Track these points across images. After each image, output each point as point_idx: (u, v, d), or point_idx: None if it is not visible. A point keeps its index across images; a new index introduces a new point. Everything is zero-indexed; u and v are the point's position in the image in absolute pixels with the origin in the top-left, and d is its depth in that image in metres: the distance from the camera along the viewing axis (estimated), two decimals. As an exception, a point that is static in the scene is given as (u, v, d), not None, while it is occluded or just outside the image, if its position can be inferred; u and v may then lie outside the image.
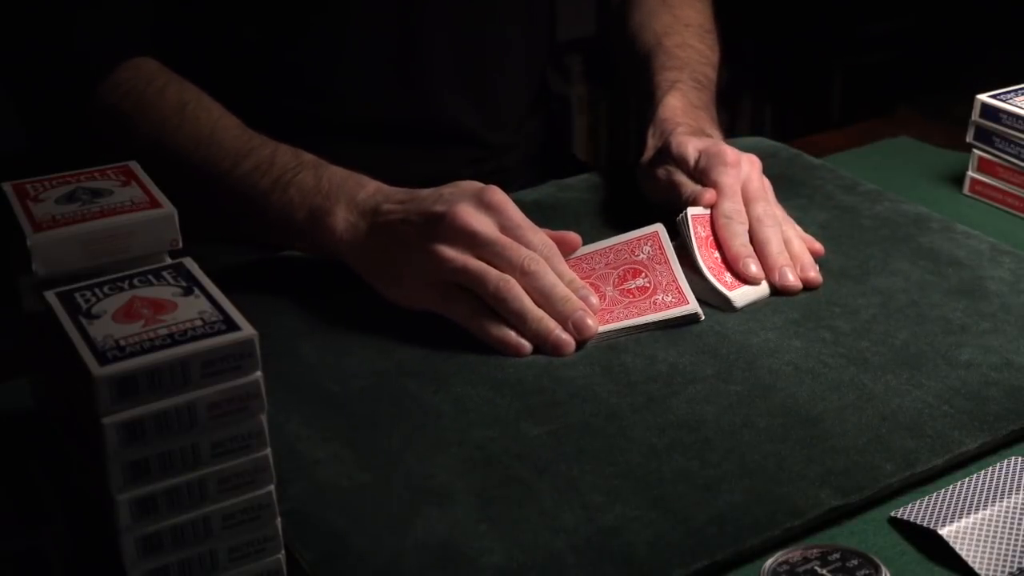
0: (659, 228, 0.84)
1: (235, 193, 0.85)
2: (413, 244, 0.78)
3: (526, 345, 0.77)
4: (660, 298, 0.80)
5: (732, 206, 0.85)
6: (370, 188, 0.82)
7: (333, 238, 0.82)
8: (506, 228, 0.78)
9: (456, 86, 1.06)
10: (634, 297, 0.81)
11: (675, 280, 0.81)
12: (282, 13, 0.98)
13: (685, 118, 0.95)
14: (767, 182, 0.88)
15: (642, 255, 0.83)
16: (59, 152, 0.97)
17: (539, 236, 0.79)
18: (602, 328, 0.79)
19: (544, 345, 0.77)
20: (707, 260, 0.83)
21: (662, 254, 0.83)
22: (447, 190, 0.80)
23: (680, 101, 0.97)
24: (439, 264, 0.77)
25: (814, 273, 0.84)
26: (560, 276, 0.78)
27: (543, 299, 0.77)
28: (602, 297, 0.80)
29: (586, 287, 0.79)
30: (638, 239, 0.84)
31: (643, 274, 0.82)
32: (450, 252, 0.77)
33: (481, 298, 0.77)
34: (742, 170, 0.87)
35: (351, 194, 0.82)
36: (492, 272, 0.77)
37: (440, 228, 0.77)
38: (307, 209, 0.82)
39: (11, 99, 0.94)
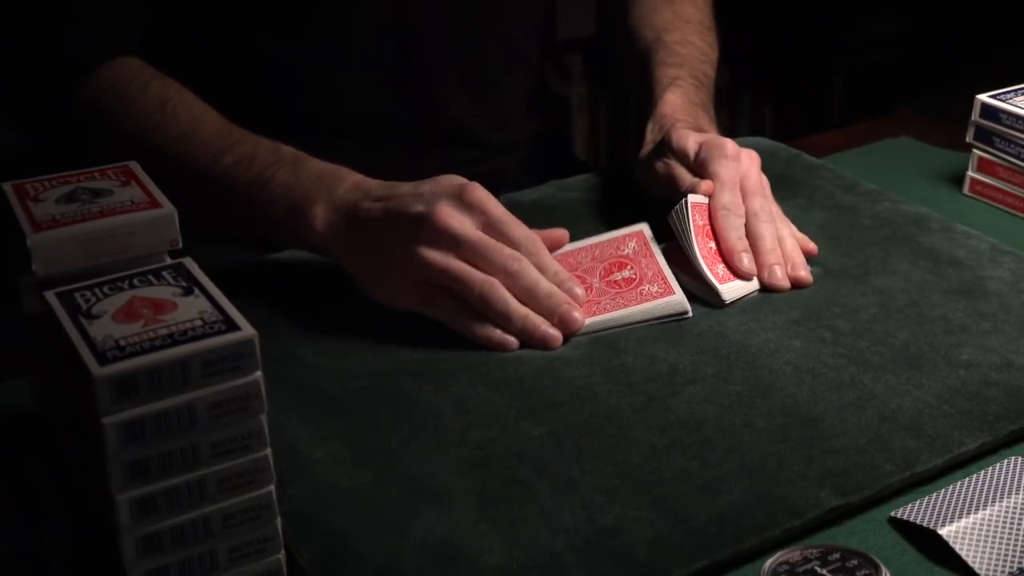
0: (643, 226, 0.85)
1: (216, 189, 0.86)
2: (393, 246, 0.78)
3: (512, 341, 0.77)
4: (646, 288, 0.81)
5: (731, 198, 0.85)
6: (348, 183, 0.82)
7: (313, 234, 0.81)
8: (488, 225, 0.78)
9: (456, 85, 1.06)
10: (620, 288, 0.81)
11: (661, 272, 0.82)
12: (282, 13, 0.98)
13: (684, 115, 0.95)
14: (765, 179, 0.89)
15: (627, 250, 0.84)
16: (43, 147, 0.98)
17: (521, 231, 0.79)
18: (590, 320, 0.79)
19: (531, 342, 0.77)
20: (702, 249, 0.83)
21: (647, 249, 0.84)
22: (427, 187, 0.79)
23: (680, 98, 0.98)
24: (421, 267, 0.77)
25: (804, 272, 0.84)
26: (544, 270, 0.78)
27: (528, 296, 0.77)
28: (588, 288, 0.81)
29: (571, 279, 0.80)
30: (623, 236, 0.85)
31: (629, 267, 0.83)
32: (432, 255, 0.77)
33: (465, 299, 0.77)
34: (742, 164, 0.87)
35: (330, 189, 0.81)
36: (475, 275, 0.76)
37: (421, 230, 0.77)
38: (287, 206, 0.82)
39: None
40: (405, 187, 0.80)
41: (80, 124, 0.91)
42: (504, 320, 0.77)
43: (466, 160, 1.07)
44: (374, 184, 0.82)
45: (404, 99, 1.04)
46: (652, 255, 0.83)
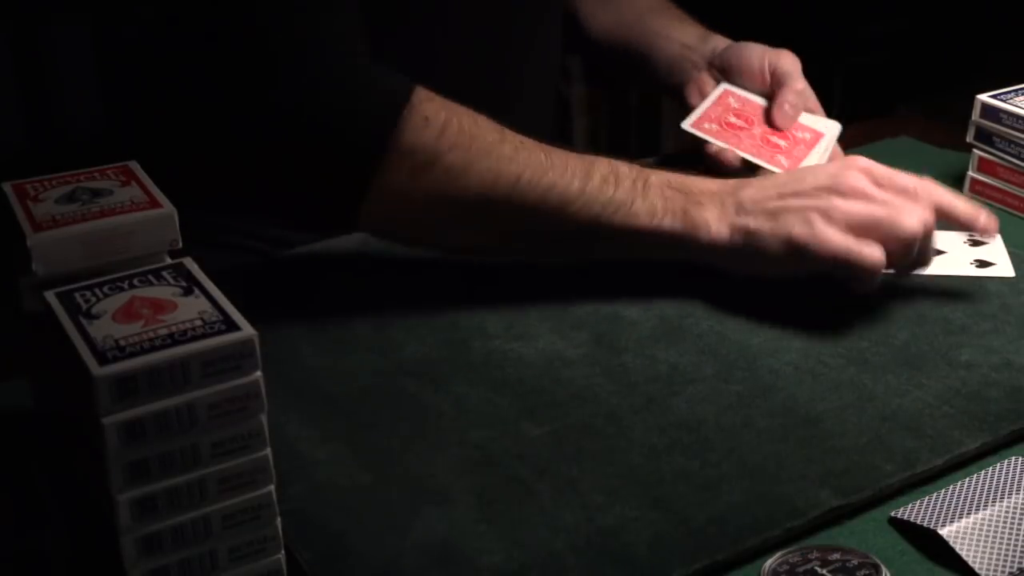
0: (724, 84, 0.96)
1: (588, 212, 0.81)
2: (791, 205, 0.80)
3: None
4: (800, 135, 0.90)
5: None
6: (729, 188, 0.83)
7: (709, 237, 0.81)
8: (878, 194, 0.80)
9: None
10: (783, 142, 0.91)
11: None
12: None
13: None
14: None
15: (735, 104, 0.94)
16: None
17: (910, 189, 0.81)
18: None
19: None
20: (744, 147, 0.91)
21: (745, 98, 0.94)
22: (807, 185, 0.81)
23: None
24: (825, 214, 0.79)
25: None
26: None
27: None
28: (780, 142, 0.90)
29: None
30: (720, 96, 0.95)
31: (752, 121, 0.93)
32: (836, 205, 0.79)
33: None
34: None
35: (716, 195, 0.82)
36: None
37: (820, 190, 0.80)
38: (676, 213, 0.81)
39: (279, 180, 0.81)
40: (782, 189, 0.81)
41: (401, 180, 0.78)
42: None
43: None
44: (752, 194, 0.82)
45: None
46: (752, 100, 0.93)
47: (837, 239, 0.78)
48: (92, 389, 0.49)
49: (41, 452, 0.67)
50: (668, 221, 0.81)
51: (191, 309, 0.53)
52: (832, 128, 0.91)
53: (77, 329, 0.52)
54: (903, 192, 0.80)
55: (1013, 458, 0.66)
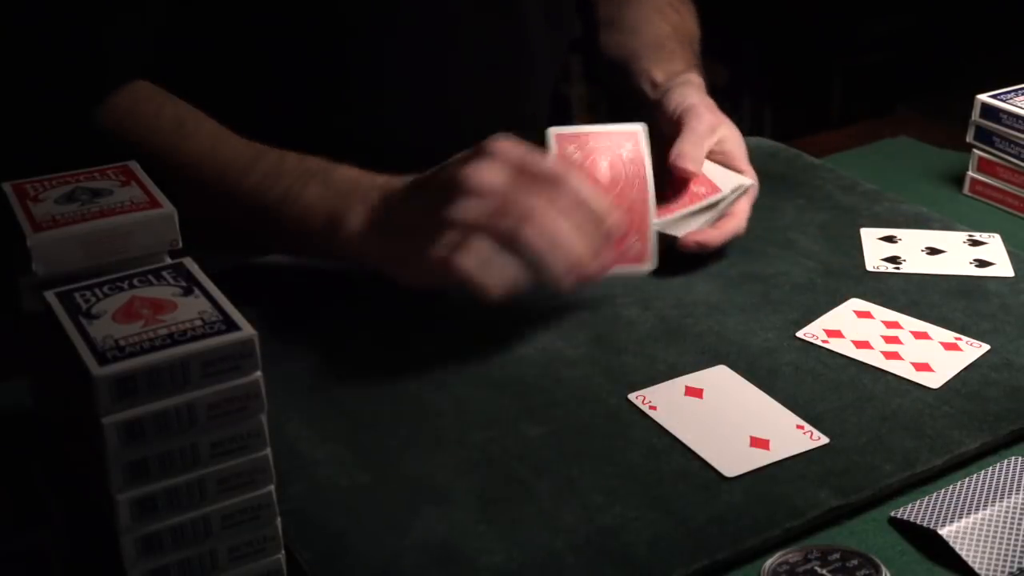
0: (640, 128, 0.84)
1: (244, 207, 0.82)
2: (422, 214, 0.73)
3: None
4: (696, 189, 0.86)
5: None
6: (380, 182, 0.78)
7: (345, 237, 0.78)
8: (518, 170, 0.72)
9: (485, 113, 1.03)
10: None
11: (644, 194, 0.81)
12: (313, 48, 0.94)
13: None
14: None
15: (623, 151, 0.82)
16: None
17: (551, 168, 0.72)
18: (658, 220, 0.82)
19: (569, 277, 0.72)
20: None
21: (639, 154, 0.82)
22: (451, 159, 0.75)
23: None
24: (453, 225, 0.71)
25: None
26: (582, 202, 0.71)
27: (551, 245, 0.71)
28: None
29: (610, 212, 0.73)
30: (622, 133, 0.84)
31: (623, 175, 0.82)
32: (461, 209, 0.71)
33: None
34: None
35: (364, 195, 0.78)
36: (506, 219, 0.70)
37: (447, 192, 0.72)
38: (320, 218, 0.79)
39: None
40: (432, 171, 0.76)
41: (99, 154, 0.84)
42: (549, 248, 0.70)
43: None
44: (406, 178, 0.78)
45: (430, 128, 1.00)
46: (642, 163, 0.81)
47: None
48: (92, 389, 0.49)
49: (41, 452, 0.67)
50: (313, 225, 0.79)
51: (191, 309, 0.53)
52: (730, 183, 0.85)
53: (77, 329, 0.52)
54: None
55: (1013, 458, 0.66)
